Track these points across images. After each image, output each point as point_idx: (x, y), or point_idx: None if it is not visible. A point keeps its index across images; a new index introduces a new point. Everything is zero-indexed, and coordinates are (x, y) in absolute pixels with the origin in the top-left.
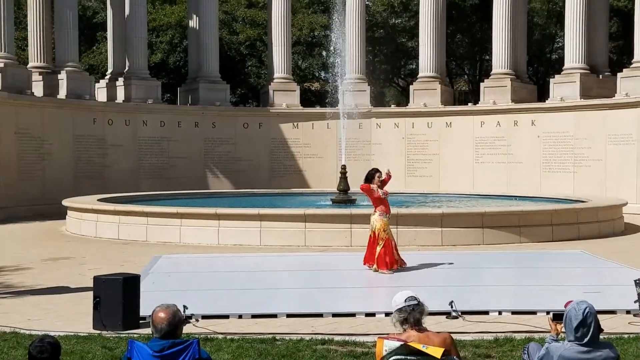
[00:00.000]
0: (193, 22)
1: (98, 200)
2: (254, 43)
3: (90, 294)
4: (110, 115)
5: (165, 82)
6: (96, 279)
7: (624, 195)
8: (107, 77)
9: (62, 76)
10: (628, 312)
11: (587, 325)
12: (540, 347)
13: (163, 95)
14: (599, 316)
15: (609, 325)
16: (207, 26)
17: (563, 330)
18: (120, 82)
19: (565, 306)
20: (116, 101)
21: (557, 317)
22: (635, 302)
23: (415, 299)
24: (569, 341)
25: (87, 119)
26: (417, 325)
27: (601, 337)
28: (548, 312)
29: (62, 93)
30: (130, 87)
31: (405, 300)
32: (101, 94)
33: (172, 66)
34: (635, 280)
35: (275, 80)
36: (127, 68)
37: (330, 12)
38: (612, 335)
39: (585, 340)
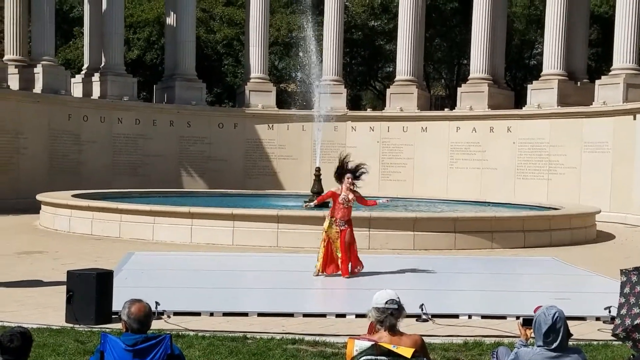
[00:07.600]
0: (170, 20)
1: (72, 195)
2: (231, 42)
3: (63, 288)
4: (86, 112)
5: (141, 79)
6: (70, 273)
7: (598, 203)
8: (83, 72)
9: (38, 70)
10: (597, 319)
11: (556, 330)
12: (509, 351)
13: (139, 93)
14: (569, 322)
15: (579, 331)
16: (185, 24)
17: (532, 336)
18: (96, 77)
19: (535, 311)
20: (92, 97)
21: (527, 322)
22: (605, 309)
23: (396, 302)
24: (538, 346)
25: (63, 114)
26: (391, 330)
27: (570, 342)
28: (518, 317)
29: (38, 87)
30: (106, 84)
31: (385, 303)
32: (77, 89)
33: (149, 63)
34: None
35: (251, 81)
36: (103, 64)
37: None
38: (581, 342)
39: (554, 345)
